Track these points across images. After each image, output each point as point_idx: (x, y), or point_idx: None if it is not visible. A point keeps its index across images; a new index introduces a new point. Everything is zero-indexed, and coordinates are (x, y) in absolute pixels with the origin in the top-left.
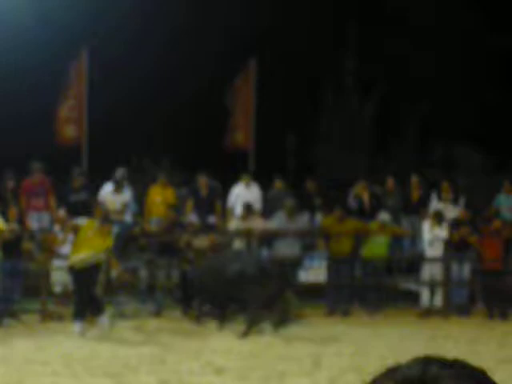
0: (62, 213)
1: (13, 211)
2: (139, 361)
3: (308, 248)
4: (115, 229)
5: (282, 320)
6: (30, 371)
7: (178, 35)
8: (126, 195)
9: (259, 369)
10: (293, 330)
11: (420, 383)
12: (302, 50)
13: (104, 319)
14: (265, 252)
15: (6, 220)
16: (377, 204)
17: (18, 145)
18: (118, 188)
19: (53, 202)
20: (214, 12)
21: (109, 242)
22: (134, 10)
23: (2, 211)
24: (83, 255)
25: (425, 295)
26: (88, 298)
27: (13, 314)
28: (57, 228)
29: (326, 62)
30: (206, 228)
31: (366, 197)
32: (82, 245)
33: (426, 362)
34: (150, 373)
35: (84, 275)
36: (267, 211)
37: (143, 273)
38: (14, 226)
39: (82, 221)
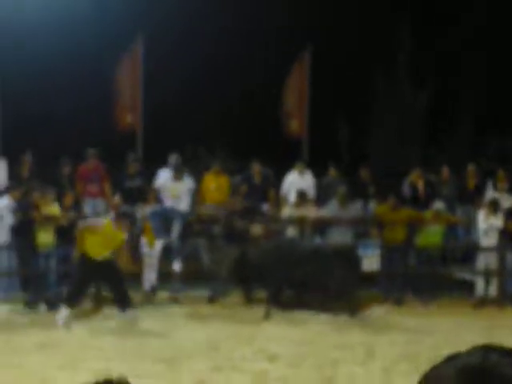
0: (116, 199)
1: (69, 197)
2: (192, 347)
3: (361, 236)
4: (176, 215)
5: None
6: (85, 355)
7: (233, 23)
8: (188, 182)
9: (312, 356)
10: (346, 318)
11: (480, 371)
12: (355, 40)
13: (131, 313)
14: (318, 240)
15: (62, 206)
16: (431, 193)
17: (74, 132)
18: (178, 175)
19: (107, 188)
20: (269, 2)
21: (121, 236)
22: None
23: (58, 197)
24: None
25: (479, 285)
26: (120, 292)
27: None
28: (111, 214)
29: (379, 52)
30: (260, 215)
31: (420, 185)
32: (103, 243)
33: (486, 350)
34: (203, 359)
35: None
36: (321, 199)
37: (205, 258)
38: (69, 212)
39: (95, 221)
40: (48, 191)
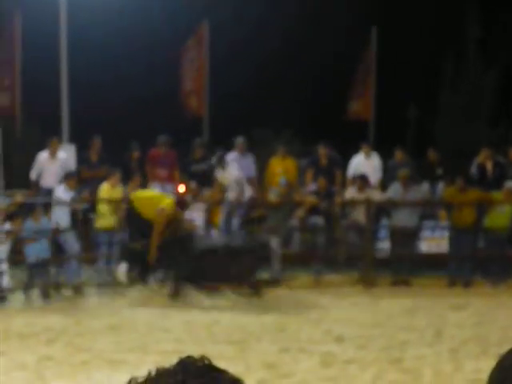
0: (193, 184)
1: (136, 179)
2: (261, 329)
3: (428, 218)
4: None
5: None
6: (154, 337)
7: (301, 7)
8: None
9: (380, 338)
10: (414, 300)
11: None
12: (424, 19)
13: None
14: (384, 221)
15: (129, 188)
16: (500, 173)
17: (142, 118)
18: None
19: (177, 174)
20: None
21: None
22: None
23: (126, 180)
24: None
25: None
26: None
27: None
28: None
29: (448, 31)
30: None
31: (489, 166)
32: None
33: None
34: (272, 341)
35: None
36: (387, 181)
37: (274, 241)
38: None
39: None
40: (114, 173)
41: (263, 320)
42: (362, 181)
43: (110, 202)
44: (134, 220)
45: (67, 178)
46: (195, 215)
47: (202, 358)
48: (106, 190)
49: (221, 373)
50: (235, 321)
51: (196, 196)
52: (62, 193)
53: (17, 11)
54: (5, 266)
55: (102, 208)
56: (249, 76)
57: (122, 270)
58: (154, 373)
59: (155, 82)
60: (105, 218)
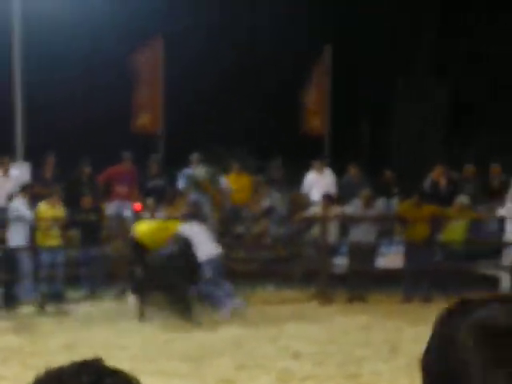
0: (150, 201)
1: (87, 199)
2: (217, 345)
3: (384, 234)
4: None
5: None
6: (109, 355)
7: (258, 25)
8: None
9: (336, 354)
10: (370, 316)
11: (505, 335)
12: (376, 37)
13: None
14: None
15: (80, 207)
16: (454, 189)
17: (97, 136)
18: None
19: (136, 191)
20: (291, 2)
21: None
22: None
23: (76, 199)
24: None
25: (505, 280)
26: None
27: (92, 299)
28: (146, 215)
29: (400, 48)
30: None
31: (443, 182)
32: None
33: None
34: (228, 357)
35: None
36: (341, 197)
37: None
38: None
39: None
40: (54, 192)
41: (220, 336)
42: (327, 200)
43: (52, 220)
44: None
45: (24, 189)
46: None
47: (96, 360)
48: (43, 209)
49: (115, 375)
50: (191, 337)
51: (153, 212)
52: (20, 204)
53: None
54: None
55: (43, 226)
56: (204, 92)
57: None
58: (42, 382)
59: (110, 99)
60: (46, 237)
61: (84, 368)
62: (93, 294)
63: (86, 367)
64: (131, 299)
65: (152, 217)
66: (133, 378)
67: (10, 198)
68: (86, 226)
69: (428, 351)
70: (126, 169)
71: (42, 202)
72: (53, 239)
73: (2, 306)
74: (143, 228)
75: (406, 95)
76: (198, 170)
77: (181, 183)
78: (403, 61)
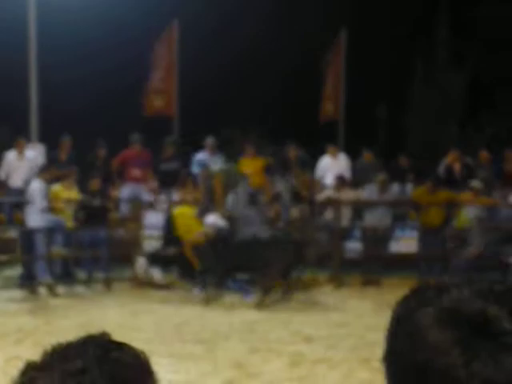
0: (154, 184)
1: (96, 181)
2: (229, 328)
3: (399, 218)
4: None
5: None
6: (122, 337)
7: (272, 9)
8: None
9: (348, 338)
10: (383, 300)
11: (477, 321)
12: (393, 20)
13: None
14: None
15: (88, 190)
16: (468, 174)
17: (112, 118)
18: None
19: (150, 173)
20: None
21: None
22: None
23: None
24: None
25: None
26: None
27: (105, 282)
28: (147, 197)
29: (418, 31)
30: (295, 199)
31: (457, 167)
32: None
33: (483, 295)
34: (240, 341)
35: None
36: (355, 182)
37: None
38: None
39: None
40: (69, 174)
41: (232, 320)
42: (340, 181)
43: (66, 202)
44: (170, 231)
45: (42, 170)
46: (154, 215)
47: (103, 335)
48: (58, 191)
49: (122, 349)
50: (204, 320)
51: (157, 195)
52: (38, 186)
53: None
54: None
55: (57, 208)
56: (219, 75)
57: (157, 274)
58: (49, 356)
59: (124, 81)
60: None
61: (90, 342)
62: (104, 276)
63: (93, 341)
64: (156, 273)
65: (155, 199)
66: (140, 352)
67: (28, 180)
68: (92, 209)
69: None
70: (137, 151)
71: (58, 183)
72: (67, 221)
73: (23, 286)
74: (182, 213)
75: (423, 80)
76: (213, 162)
77: (194, 168)
78: (421, 45)
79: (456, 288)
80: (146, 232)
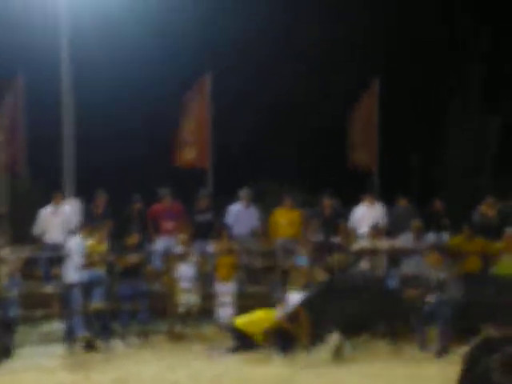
0: (184, 236)
1: (134, 236)
2: (267, 381)
3: None
4: None
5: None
6: None
7: (305, 58)
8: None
9: None
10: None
11: None
12: (425, 69)
13: None
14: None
15: (126, 245)
16: (504, 222)
17: (145, 172)
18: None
19: (183, 225)
20: (339, 31)
21: None
22: (260, 33)
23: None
24: None
25: None
26: None
27: (142, 335)
28: (179, 249)
29: (450, 80)
30: (331, 248)
31: (491, 214)
32: None
33: None
34: None
35: None
36: (392, 230)
37: None
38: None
39: None
40: (100, 229)
41: (270, 372)
42: (375, 229)
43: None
44: None
45: (83, 226)
46: (186, 268)
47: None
48: (90, 246)
49: None
50: (242, 373)
51: (188, 247)
52: (77, 242)
53: (20, 70)
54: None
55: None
56: (252, 127)
57: None
58: None
59: (158, 135)
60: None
61: None
62: (141, 329)
63: None
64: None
65: (186, 251)
66: None
67: (70, 234)
68: (129, 263)
69: None
70: (168, 205)
71: (91, 238)
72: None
73: (65, 341)
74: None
75: (457, 128)
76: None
77: (229, 219)
78: (454, 92)
79: None
80: (181, 285)
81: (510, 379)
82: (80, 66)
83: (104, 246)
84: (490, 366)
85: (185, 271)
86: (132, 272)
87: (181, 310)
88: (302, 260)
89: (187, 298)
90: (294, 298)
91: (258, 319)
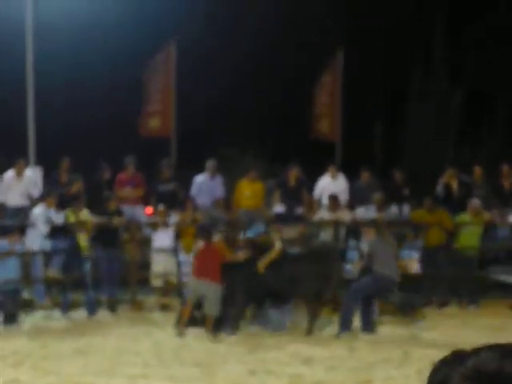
0: (161, 208)
1: (113, 202)
2: (228, 351)
3: (398, 240)
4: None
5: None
6: (122, 361)
7: (267, 28)
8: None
9: (348, 360)
10: (382, 322)
11: (497, 377)
12: (389, 39)
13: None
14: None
15: (106, 211)
16: (466, 193)
17: (107, 138)
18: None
19: (145, 195)
20: (303, 4)
21: None
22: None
23: (99, 202)
24: None
25: None
26: None
27: (110, 304)
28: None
29: (414, 48)
30: (294, 219)
31: (454, 185)
32: None
33: (502, 353)
34: (239, 363)
35: None
36: (354, 203)
37: None
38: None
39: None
40: (79, 199)
41: (231, 342)
42: (333, 201)
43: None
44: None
45: (48, 196)
46: (163, 237)
47: None
48: (69, 215)
49: None
50: (203, 343)
51: (165, 219)
52: (42, 212)
53: None
54: None
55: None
56: (215, 95)
57: None
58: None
59: (121, 102)
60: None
61: None
62: (108, 299)
63: None
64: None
65: (163, 223)
66: None
67: (34, 203)
68: (109, 229)
69: None
70: (131, 174)
71: (68, 209)
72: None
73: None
74: None
75: (419, 98)
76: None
77: (193, 190)
78: (417, 64)
79: (482, 351)
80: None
81: None
82: (42, 32)
83: (85, 215)
84: (450, 377)
85: (161, 241)
86: (110, 238)
87: (158, 282)
88: (259, 228)
89: (163, 268)
90: None
91: None
